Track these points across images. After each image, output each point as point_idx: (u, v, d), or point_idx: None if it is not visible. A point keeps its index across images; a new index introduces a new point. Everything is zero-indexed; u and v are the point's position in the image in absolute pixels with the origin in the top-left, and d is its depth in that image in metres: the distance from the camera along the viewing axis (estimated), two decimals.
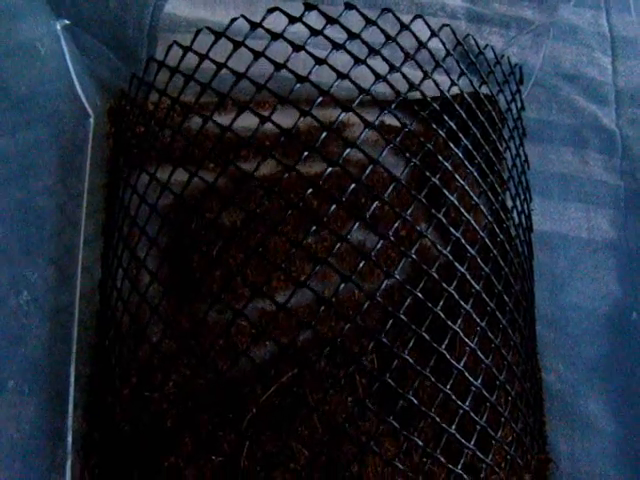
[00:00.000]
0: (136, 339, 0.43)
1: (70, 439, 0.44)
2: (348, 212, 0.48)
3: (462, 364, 0.42)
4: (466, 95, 0.45)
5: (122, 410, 0.44)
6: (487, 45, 0.44)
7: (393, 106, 0.40)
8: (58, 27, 0.42)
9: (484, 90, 0.46)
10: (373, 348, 0.41)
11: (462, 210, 0.43)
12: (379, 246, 0.39)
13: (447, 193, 0.44)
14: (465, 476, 0.42)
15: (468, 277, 0.40)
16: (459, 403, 0.41)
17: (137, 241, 0.43)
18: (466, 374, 0.41)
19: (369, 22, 0.40)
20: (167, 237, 0.47)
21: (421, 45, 0.41)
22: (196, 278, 0.46)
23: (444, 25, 0.42)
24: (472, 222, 0.42)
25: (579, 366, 0.48)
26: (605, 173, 0.51)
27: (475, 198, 0.44)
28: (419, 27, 0.43)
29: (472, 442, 0.42)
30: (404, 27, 0.42)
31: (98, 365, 0.45)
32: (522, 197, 0.47)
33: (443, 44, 0.44)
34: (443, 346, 0.40)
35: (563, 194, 0.50)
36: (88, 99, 0.46)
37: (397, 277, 0.39)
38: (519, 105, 0.47)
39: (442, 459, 0.41)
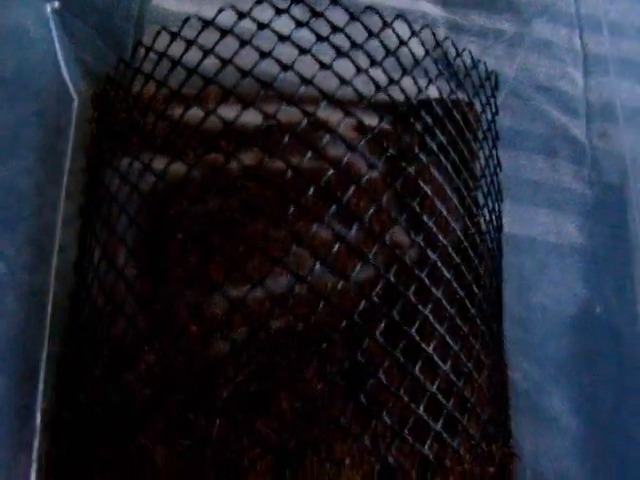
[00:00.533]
0: (110, 318, 0.44)
1: (39, 418, 0.44)
2: (325, 199, 0.48)
3: (430, 349, 0.43)
4: (445, 97, 0.47)
5: (93, 390, 0.44)
6: (465, 49, 0.46)
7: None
8: (48, 10, 0.43)
9: (461, 94, 0.48)
10: (344, 327, 0.42)
11: (435, 201, 0.45)
12: (354, 233, 0.41)
13: (422, 184, 0.46)
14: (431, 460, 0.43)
15: (439, 264, 0.42)
16: (426, 384, 0.42)
17: (116, 220, 0.44)
18: (434, 357, 0.42)
19: (353, 18, 0.41)
20: (145, 221, 0.48)
21: (402, 43, 0.43)
22: (172, 261, 0.46)
23: (425, 26, 0.44)
24: (444, 212, 0.44)
25: (545, 365, 0.49)
26: (574, 182, 0.53)
27: (448, 191, 0.46)
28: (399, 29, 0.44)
29: (438, 426, 0.43)
30: (386, 25, 0.44)
31: (70, 345, 0.45)
32: (493, 196, 0.49)
33: (422, 44, 0.46)
34: (413, 329, 0.41)
35: (533, 199, 0.52)
36: (73, 83, 0.47)
37: (371, 259, 0.40)
38: (493, 109, 0.49)
39: (410, 440, 0.42)
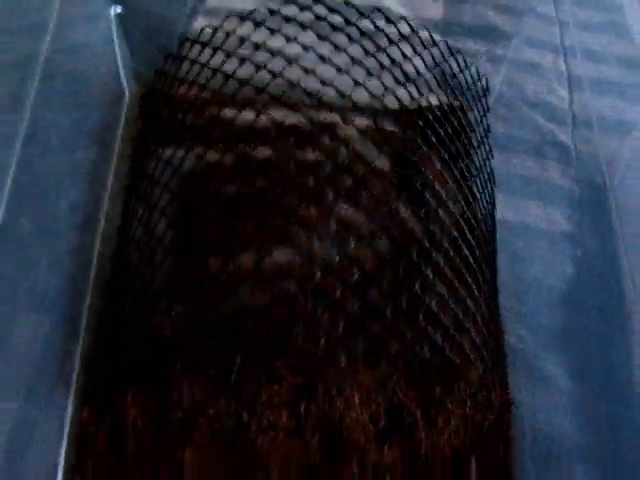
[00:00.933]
0: (147, 274, 0.50)
1: (78, 358, 0.49)
2: (335, 190, 0.55)
3: (433, 303, 0.48)
4: (443, 103, 0.55)
5: (128, 336, 0.49)
6: (458, 51, 0.54)
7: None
8: (111, 14, 0.52)
9: (456, 102, 0.56)
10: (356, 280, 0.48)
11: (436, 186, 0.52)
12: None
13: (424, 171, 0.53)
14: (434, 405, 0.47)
15: (438, 235, 0.48)
16: (429, 330, 0.47)
17: (157, 196, 0.51)
18: (435, 308, 0.48)
19: (362, 15, 0.50)
20: (181, 198, 0.55)
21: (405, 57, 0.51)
22: (204, 232, 0.53)
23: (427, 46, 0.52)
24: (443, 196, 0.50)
25: (539, 332, 0.53)
26: (562, 179, 0.59)
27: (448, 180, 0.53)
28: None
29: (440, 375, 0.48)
30: (392, 43, 0.52)
31: (110, 298, 0.51)
32: (488, 186, 0.55)
33: (423, 58, 0.54)
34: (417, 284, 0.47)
35: (524, 192, 0.58)
36: (127, 82, 0.55)
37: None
38: (485, 108, 0.56)
39: (414, 385, 0.47)
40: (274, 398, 0.47)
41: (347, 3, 0.50)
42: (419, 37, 0.52)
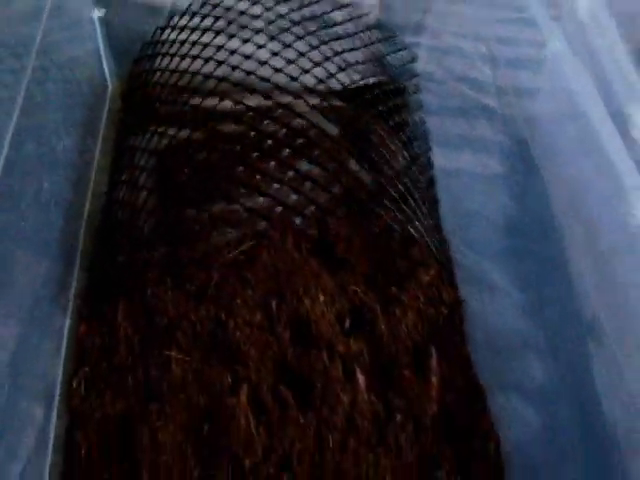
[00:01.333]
0: (132, 218, 0.57)
1: (74, 288, 0.55)
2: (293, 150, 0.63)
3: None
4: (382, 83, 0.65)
5: (118, 263, 0.55)
6: (392, 36, 0.65)
7: None
8: (95, 15, 0.62)
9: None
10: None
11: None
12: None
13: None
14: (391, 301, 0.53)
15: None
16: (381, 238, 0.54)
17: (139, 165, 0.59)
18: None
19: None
20: (159, 168, 0.62)
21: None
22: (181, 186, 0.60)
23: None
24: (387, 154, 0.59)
25: (483, 252, 0.60)
26: (491, 134, 0.68)
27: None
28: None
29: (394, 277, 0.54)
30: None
31: (100, 242, 0.58)
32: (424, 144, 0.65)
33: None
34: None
35: (459, 146, 0.67)
36: (110, 74, 0.65)
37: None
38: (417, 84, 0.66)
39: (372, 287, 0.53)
40: (248, 301, 0.53)
41: None
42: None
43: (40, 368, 0.50)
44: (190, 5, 0.61)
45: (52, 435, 0.48)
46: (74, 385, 0.50)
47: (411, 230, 0.56)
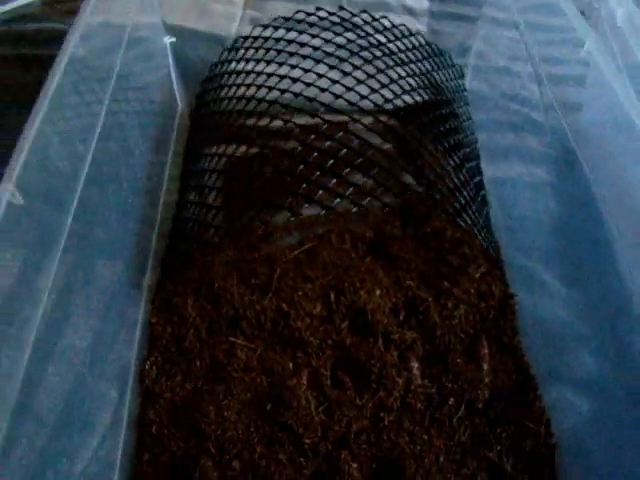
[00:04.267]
0: (201, 228, 0.62)
1: (146, 286, 0.59)
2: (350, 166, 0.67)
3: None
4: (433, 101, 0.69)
5: (189, 261, 0.59)
6: (442, 53, 0.69)
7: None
8: (167, 41, 0.69)
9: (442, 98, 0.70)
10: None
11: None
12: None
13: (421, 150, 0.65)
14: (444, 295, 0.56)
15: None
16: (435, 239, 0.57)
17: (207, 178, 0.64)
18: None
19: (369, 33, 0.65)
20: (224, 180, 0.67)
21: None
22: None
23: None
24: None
25: (533, 254, 0.62)
26: (538, 146, 0.70)
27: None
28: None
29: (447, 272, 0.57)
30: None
31: (171, 244, 0.62)
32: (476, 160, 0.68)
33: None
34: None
35: (508, 158, 0.70)
36: (179, 95, 0.70)
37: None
38: (466, 100, 0.70)
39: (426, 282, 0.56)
40: (309, 294, 0.56)
41: (342, 8, 0.66)
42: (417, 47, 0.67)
43: (116, 354, 0.54)
44: (256, 36, 0.66)
45: (126, 413, 0.52)
46: (146, 368, 0.54)
47: (462, 227, 0.59)
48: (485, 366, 0.53)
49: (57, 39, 0.81)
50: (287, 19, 0.66)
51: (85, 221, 0.53)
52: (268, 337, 0.54)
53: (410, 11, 0.88)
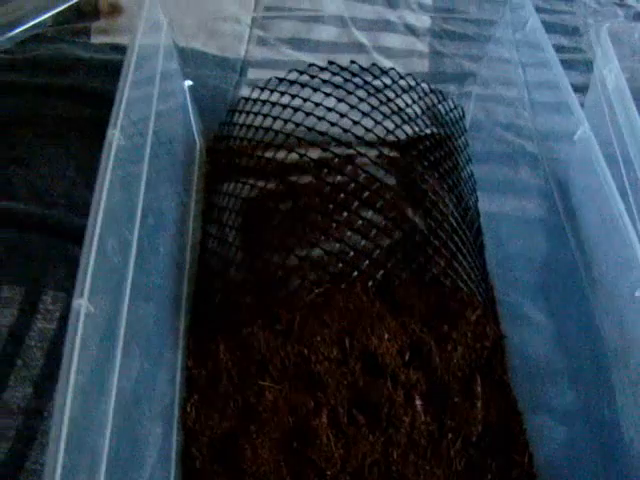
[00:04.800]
0: (224, 269, 0.69)
1: (182, 330, 0.67)
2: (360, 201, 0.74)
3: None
4: (433, 134, 0.75)
5: (214, 312, 0.67)
6: (440, 91, 0.74)
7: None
8: (185, 86, 0.74)
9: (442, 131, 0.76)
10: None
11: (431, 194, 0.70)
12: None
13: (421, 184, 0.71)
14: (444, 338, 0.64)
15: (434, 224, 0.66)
16: (433, 285, 0.65)
17: (226, 216, 0.70)
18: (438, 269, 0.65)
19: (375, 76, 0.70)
20: (242, 218, 0.74)
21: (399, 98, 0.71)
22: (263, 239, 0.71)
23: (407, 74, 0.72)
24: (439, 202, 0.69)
25: (520, 289, 0.70)
26: (532, 179, 0.77)
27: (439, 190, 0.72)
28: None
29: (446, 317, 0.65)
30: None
31: (198, 287, 0.69)
32: (472, 193, 0.74)
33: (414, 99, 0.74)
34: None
35: (502, 192, 0.76)
36: (197, 135, 0.76)
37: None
38: (464, 131, 0.75)
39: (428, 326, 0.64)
40: (326, 338, 0.64)
41: (353, 62, 0.71)
42: (416, 87, 0.72)
43: (158, 395, 0.62)
44: (269, 80, 0.71)
45: (173, 451, 0.61)
46: (187, 409, 0.62)
47: (460, 278, 0.66)
48: (479, 404, 0.62)
49: (72, 67, 0.86)
50: (280, 80, 0.71)
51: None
52: (292, 379, 0.63)
53: (412, 30, 0.92)
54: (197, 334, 0.66)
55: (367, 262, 0.67)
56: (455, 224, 0.70)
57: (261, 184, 0.73)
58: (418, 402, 0.62)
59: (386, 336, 0.64)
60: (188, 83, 0.74)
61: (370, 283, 0.67)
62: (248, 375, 0.63)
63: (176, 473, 0.59)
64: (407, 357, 0.64)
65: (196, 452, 0.60)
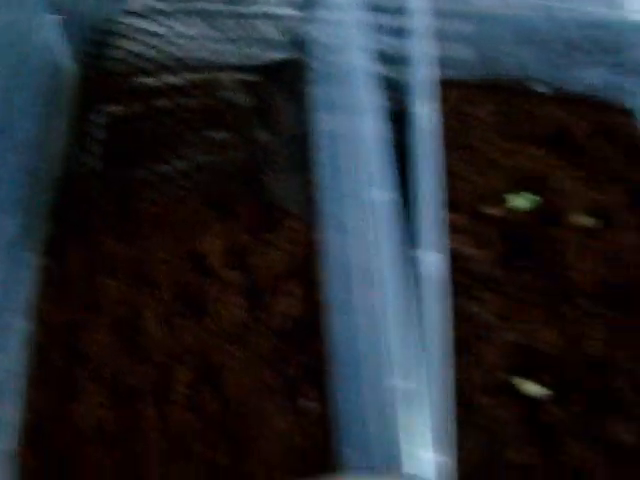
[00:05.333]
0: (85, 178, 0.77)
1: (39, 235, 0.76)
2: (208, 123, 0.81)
3: None
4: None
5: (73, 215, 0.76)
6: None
7: None
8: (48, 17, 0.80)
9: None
10: None
11: None
12: None
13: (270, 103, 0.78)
14: None
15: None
16: None
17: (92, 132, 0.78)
18: None
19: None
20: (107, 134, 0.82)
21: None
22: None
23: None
24: None
25: None
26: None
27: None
28: None
29: None
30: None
31: (60, 193, 0.78)
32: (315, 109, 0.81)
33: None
34: None
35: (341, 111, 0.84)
36: (69, 61, 0.83)
37: None
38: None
39: None
40: (164, 245, 0.74)
41: None
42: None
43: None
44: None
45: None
46: (39, 303, 0.72)
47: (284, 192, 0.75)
48: (290, 300, 0.72)
49: None
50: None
51: None
52: (131, 279, 0.73)
53: None
54: (54, 239, 0.75)
55: (208, 178, 0.76)
56: (297, 143, 0.79)
57: (126, 105, 0.81)
58: (236, 298, 0.72)
59: (215, 241, 0.74)
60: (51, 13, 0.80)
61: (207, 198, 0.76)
62: (95, 274, 0.73)
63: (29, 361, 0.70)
64: (230, 258, 0.74)
65: (44, 339, 0.70)
